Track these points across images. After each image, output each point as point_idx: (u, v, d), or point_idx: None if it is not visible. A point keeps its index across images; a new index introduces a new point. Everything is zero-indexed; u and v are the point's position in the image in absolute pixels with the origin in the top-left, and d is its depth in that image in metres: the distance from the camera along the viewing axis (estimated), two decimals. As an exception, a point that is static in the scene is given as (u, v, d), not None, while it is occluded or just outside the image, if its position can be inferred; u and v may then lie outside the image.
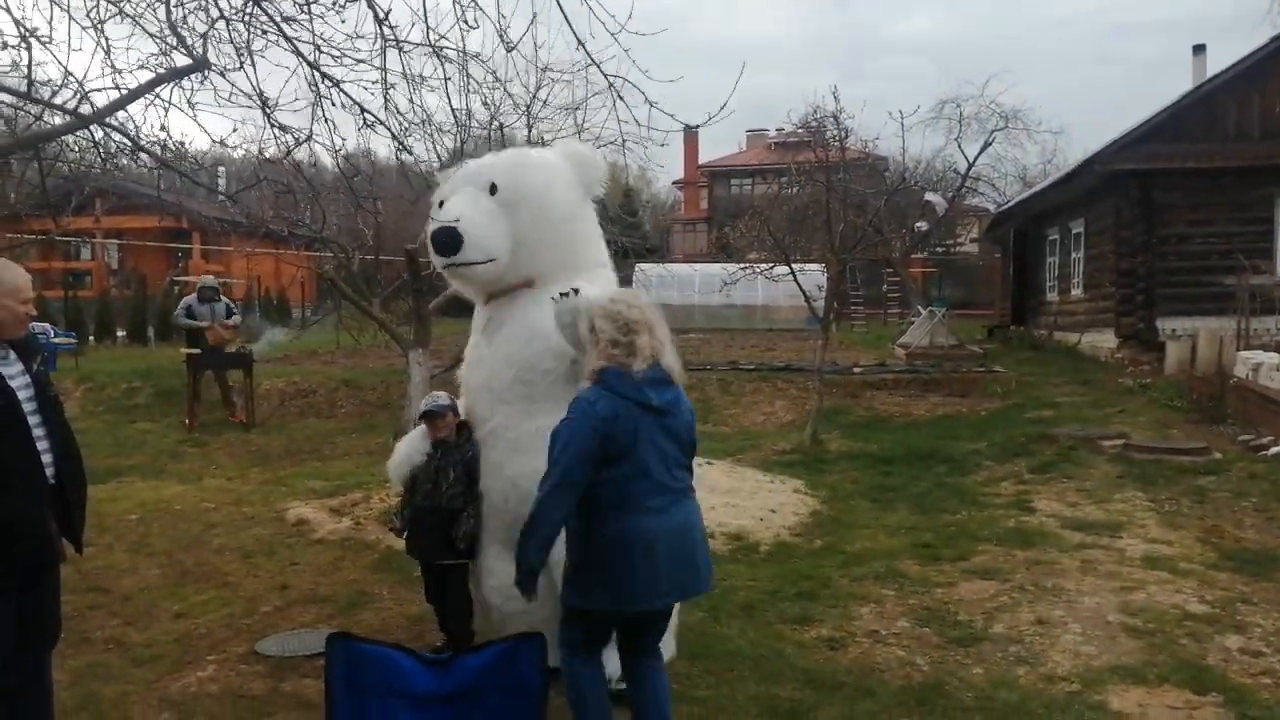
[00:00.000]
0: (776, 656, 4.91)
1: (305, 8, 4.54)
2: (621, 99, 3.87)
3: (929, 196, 24.88)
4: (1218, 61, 18.33)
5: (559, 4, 3.76)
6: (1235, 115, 16.53)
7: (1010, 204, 25.82)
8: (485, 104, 6.11)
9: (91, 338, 20.74)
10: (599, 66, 3.66)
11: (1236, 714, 4.37)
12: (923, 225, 24.76)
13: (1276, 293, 15.81)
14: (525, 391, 4.40)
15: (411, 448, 4.84)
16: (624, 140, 4.88)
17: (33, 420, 3.49)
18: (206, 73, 5.30)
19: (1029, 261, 24.54)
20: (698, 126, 4.33)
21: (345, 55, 4.65)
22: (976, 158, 16.84)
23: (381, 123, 4.82)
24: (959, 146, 26.08)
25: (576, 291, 4.02)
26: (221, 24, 5.03)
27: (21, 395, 3.48)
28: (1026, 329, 23.33)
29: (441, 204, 4.62)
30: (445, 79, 5.02)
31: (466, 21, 4.07)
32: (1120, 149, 16.79)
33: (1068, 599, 5.88)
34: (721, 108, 3.99)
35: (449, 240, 4.40)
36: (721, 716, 4.29)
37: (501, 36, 3.83)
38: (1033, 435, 10.96)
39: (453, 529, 4.64)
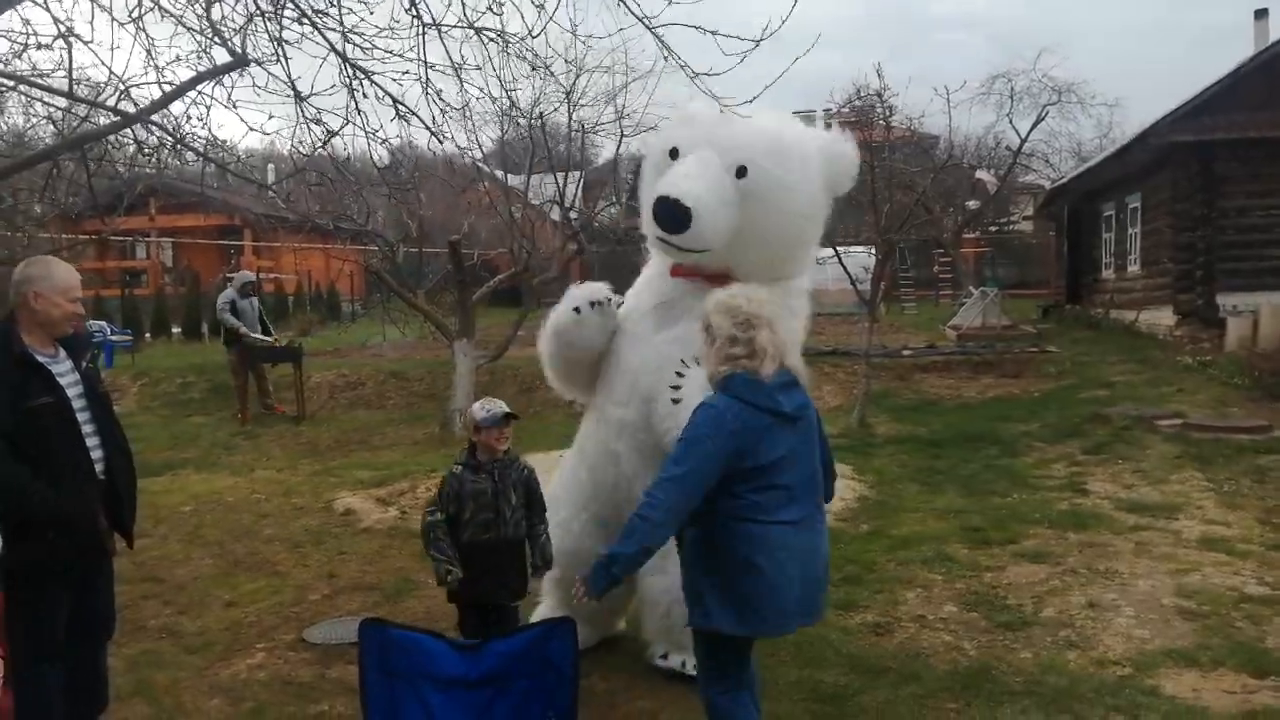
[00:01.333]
0: (820, 641, 4.85)
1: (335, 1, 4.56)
2: (673, 57, 3.82)
3: (980, 174, 24.45)
4: (1280, 27, 17.74)
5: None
6: (1299, 82, 15.97)
7: (1064, 180, 25.27)
8: (517, 91, 6.05)
9: (148, 334, 21.20)
10: (649, 27, 3.61)
11: (1296, 698, 4.24)
12: (973, 203, 24.35)
13: (1343, 265, 15.31)
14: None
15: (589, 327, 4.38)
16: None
17: (82, 417, 3.56)
18: (245, 70, 5.36)
19: (1084, 238, 24.00)
20: (752, 100, 4.19)
21: (375, 46, 4.66)
22: (1029, 133, 16.47)
23: (414, 114, 4.82)
24: (1010, 122, 25.62)
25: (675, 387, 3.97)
26: (259, 18, 5.07)
27: (71, 393, 3.54)
28: (1082, 308, 22.83)
29: (674, 153, 4.15)
30: (481, 65, 5.00)
31: (500, 1, 4.06)
32: (1177, 120, 16.31)
33: (1121, 582, 5.75)
34: (779, 76, 3.90)
35: (677, 219, 3.97)
36: (764, 703, 4.25)
37: (540, 10, 3.80)
38: (1087, 416, 10.73)
39: (525, 559, 4.14)
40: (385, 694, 3.05)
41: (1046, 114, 28.69)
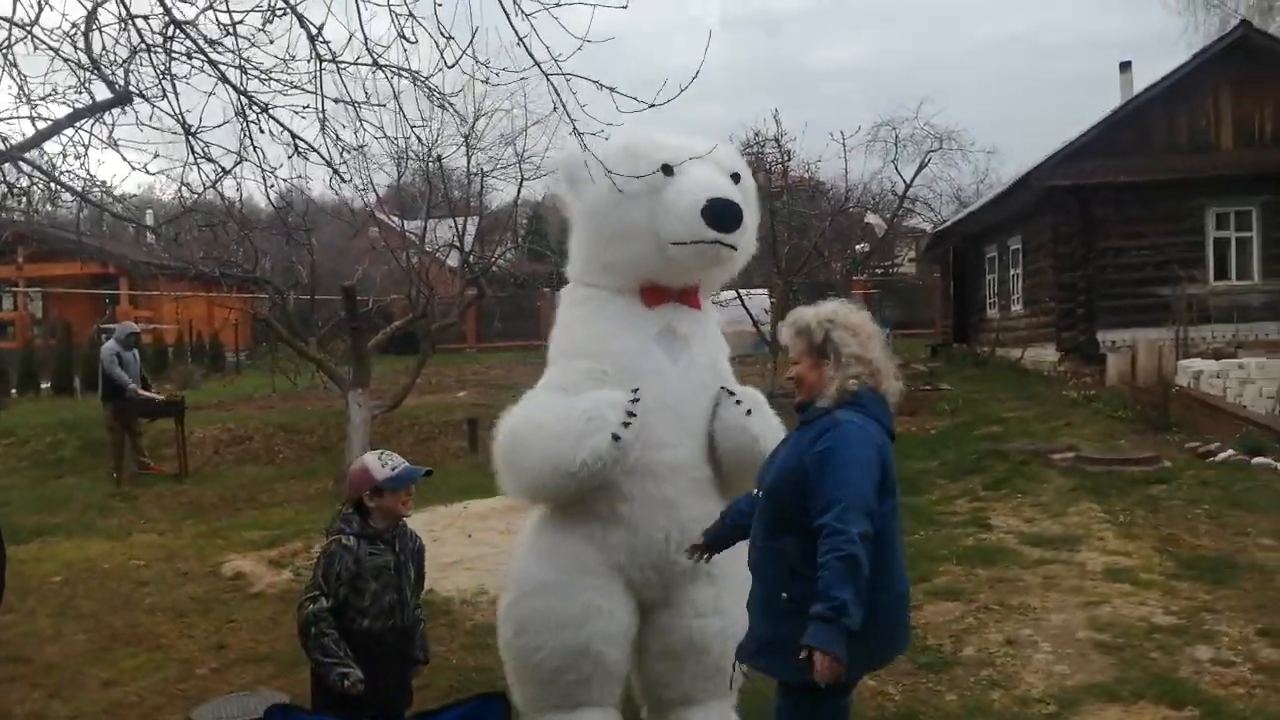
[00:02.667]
0: (752, 692, 4.70)
1: (231, 29, 4.29)
2: (562, 108, 3.66)
3: (869, 218, 25.14)
4: (1143, 78, 18.79)
5: (508, 21, 3.58)
6: (1165, 129, 16.91)
7: (948, 223, 26.17)
8: (420, 130, 5.85)
9: (14, 390, 19.99)
10: (545, 74, 3.47)
11: (1214, 728, 4.28)
12: (864, 246, 24.99)
13: (1211, 302, 16.15)
14: None
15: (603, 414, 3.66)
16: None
17: None
18: (128, 106, 5.03)
19: (969, 279, 24.84)
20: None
21: (273, 79, 4.41)
22: (914, 178, 17.06)
23: (314, 149, 4.57)
24: (895, 168, 26.39)
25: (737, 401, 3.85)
26: (144, 51, 4.77)
27: None
28: (969, 346, 23.57)
29: (669, 169, 3.97)
30: (386, 101, 4.77)
31: (405, 37, 3.86)
32: (1055, 165, 17.07)
33: (1035, 617, 5.77)
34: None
35: (735, 216, 3.89)
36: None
37: (439, 47, 3.63)
38: (984, 452, 10.94)
39: (413, 652, 3.60)
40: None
41: (929, 160, 29.82)
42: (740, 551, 3.34)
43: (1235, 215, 16.76)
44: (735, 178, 4.13)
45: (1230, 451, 9.83)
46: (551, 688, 3.87)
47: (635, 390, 3.71)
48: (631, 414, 3.64)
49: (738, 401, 3.91)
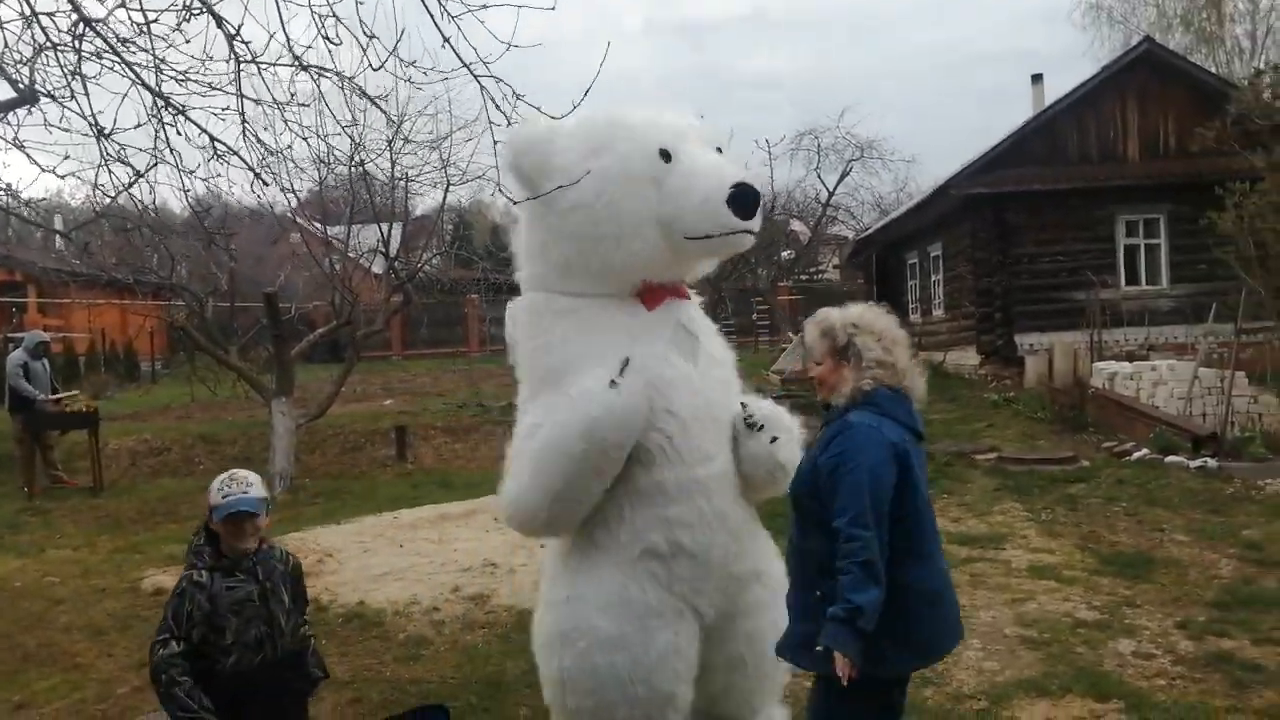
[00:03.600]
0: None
1: (145, 28, 4.15)
2: (489, 109, 3.57)
3: (794, 225, 25.45)
4: (1054, 90, 19.41)
5: (434, 22, 3.52)
6: (1076, 139, 17.49)
7: (870, 230, 26.66)
8: (349, 131, 5.74)
9: (-86, 403, 19.05)
10: (474, 75, 3.41)
11: (1138, 718, 4.41)
12: (789, 253, 25.30)
13: (1123, 306, 16.72)
14: None
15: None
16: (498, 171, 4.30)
17: None
18: (34, 106, 4.83)
19: (891, 285, 25.31)
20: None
21: (190, 79, 4.27)
22: (836, 186, 17.36)
23: (234, 152, 4.43)
24: (819, 176, 26.88)
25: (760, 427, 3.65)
26: (50, 50, 4.58)
27: None
28: (892, 350, 23.97)
29: (667, 154, 3.62)
30: (309, 102, 4.66)
31: (328, 38, 3.76)
32: (972, 174, 17.52)
33: (964, 614, 5.83)
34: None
35: (757, 202, 3.59)
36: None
37: (364, 51, 3.54)
38: (910, 453, 11.12)
39: (299, 678, 3.41)
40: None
41: (851, 169, 30.32)
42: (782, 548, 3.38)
43: (1144, 223, 17.40)
44: (720, 152, 3.87)
45: (1145, 451, 10.17)
46: None
47: (626, 359, 3.46)
48: (624, 365, 3.43)
49: (760, 427, 3.66)
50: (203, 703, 3.06)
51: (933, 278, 21.27)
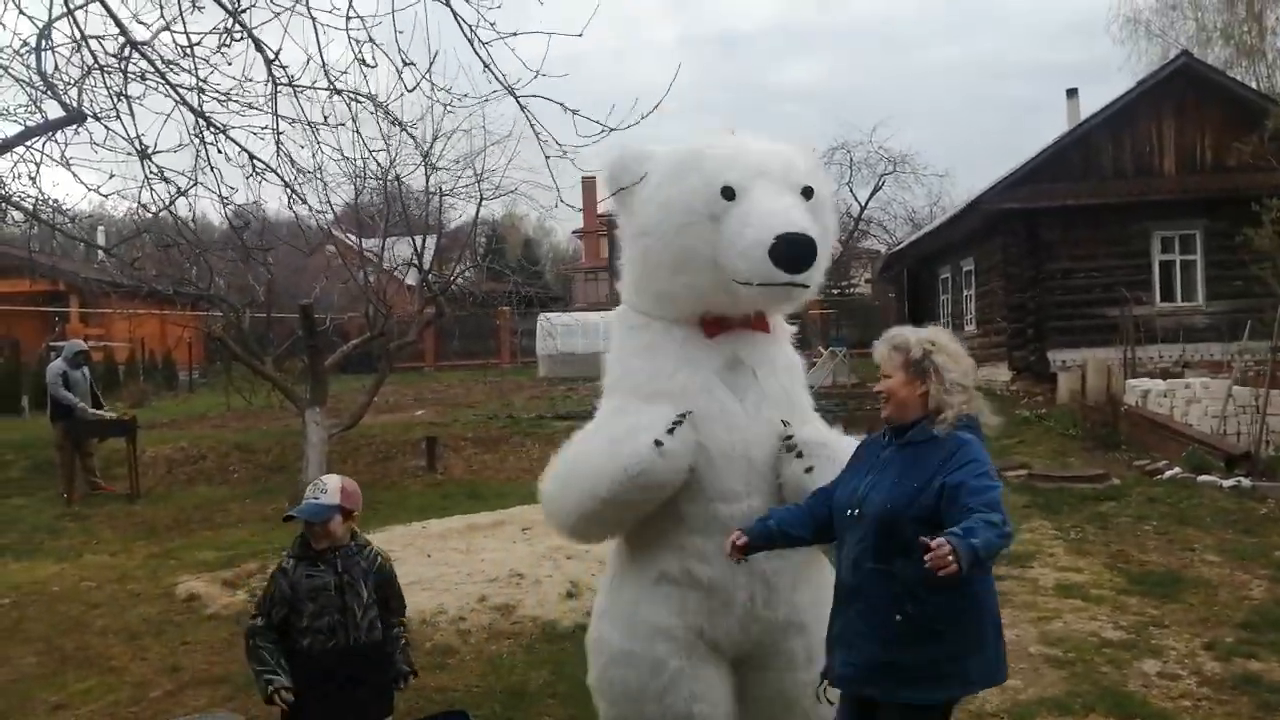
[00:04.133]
0: None
1: (188, 50, 4.29)
2: (540, 129, 3.67)
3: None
4: (1089, 104, 19.29)
5: (471, 47, 3.62)
6: (1111, 154, 17.37)
7: (902, 245, 26.59)
8: (379, 154, 5.86)
9: (-40, 410, 19.49)
10: (514, 95, 3.50)
11: (1162, 740, 4.38)
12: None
13: (1158, 322, 16.55)
14: None
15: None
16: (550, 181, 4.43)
17: None
18: (81, 125, 4.99)
19: (923, 300, 25.21)
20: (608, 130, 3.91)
21: (231, 99, 4.40)
22: (868, 200, 17.34)
23: (272, 170, 4.56)
24: (850, 190, 26.85)
25: (798, 454, 3.49)
26: (98, 71, 4.74)
27: None
28: (923, 365, 23.85)
29: (730, 191, 3.53)
30: (345, 121, 4.78)
31: (364, 61, 3.88)
32: (1004, 189, 17.44)
33: (989, 632, 5.86)
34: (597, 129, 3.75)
35: (810, 254, 3.41)
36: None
37: (399, 72, 3.65)
38: (939, 469, 11.07)
39: (383, 670, 3.59)
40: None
41: (883, 183, 30.26)
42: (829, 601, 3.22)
43: (1179, 239, 17.22)
44: (807, 193, 3.66)
45: (1177, 469, 10.07)
46: None
47: (688, 412, 3.45)
48: (678, 423, 3.39)
49: (798, 454, 3.54)
50: (279, 662, 3.37)
51: (965, 293, 21.16)
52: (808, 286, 3.56)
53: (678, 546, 3.57)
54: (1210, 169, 17.03)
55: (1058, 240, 17.26)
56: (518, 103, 3.53)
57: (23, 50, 4.72)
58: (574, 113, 3.75)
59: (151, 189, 4.98)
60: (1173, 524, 8.44)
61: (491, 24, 3.65)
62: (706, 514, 3.52)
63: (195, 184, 4.75)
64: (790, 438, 3.55)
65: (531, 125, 3.47)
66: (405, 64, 3.89)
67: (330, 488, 3.55)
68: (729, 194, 3.53)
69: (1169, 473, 10.04)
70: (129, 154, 4.88)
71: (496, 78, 3.64)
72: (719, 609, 3.57)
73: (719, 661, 3.66)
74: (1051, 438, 12.80)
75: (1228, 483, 9.44)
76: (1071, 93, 21.44)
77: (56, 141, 4.95)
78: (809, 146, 3.97)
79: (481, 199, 11.66)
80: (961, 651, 2.91)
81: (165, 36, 4.40)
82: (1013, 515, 8.97)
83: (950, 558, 2.53)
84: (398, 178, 10.53)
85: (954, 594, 2.85)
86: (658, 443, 3.34)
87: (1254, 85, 23.02)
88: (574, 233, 55.85)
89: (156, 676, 5.65)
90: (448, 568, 7.32)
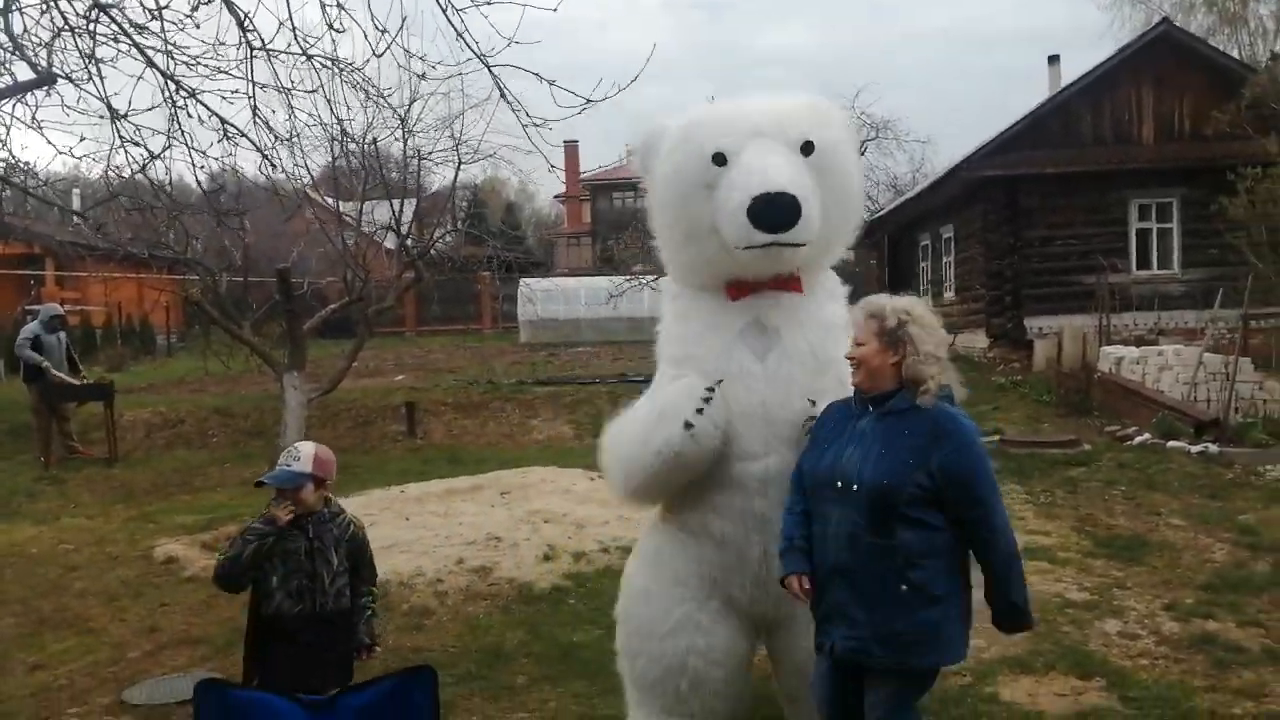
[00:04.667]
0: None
1: (157, 14, 4.26)
2: (510, 99, 3.69)
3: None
4: (1071, 71, 19.29)
5: (444, 11, 3.61)
6: (1090, 122, 17.38)
7: (883, 211, 26.58)
8: (355, 118, 5.84)
9: (-65, 373, 19.34)
10: (487, 65, 3.51)
11: (1119, 695, 4.51)
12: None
13: (1134, 290, 16.69)
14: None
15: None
16: (525, 145, 4.49)
17: None
18: (52, 87, 4.96)
19: (903, 266, 25.27)
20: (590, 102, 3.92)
21: (201, 63, 4.38)
22: (850, 166, 17.41)
23: (244, 134, 4.56)
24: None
25: (812, 418, 3.42)
26: (67, 33, 4.70)
27: None
28: (903, 332, 23.95)
29: (721, 157, 3.54)
30: (315, 88, 4.77)
31: (333, 27, 3.87)
32: (985, 156, 17.45)
33: (956, 594, 5.98)
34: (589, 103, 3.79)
35: (790, 212, 3.36)
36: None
37: (368, 38, 3.65)
38: (914, 435, 11.19)
39: (346, 638, 3.58)
40: (226, 762, 2.79)
41: (865, 149, 30.19)
42: None
43: (1157, 207, 17.30)
44: (807, 148, 3.58)
45: (1146, 435, 10.22)
46: (651, 696, 3.79)
47: (718, 381, 3.49)
48: (707, 400, 3.43)
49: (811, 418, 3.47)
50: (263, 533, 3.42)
51: (944, 259, 21.24)
52: (798, 244, 3.49)
53: (698, 500, 3.66)
54: (1189, 137, 17.08)
55: (1036, 207, 17.31)
56: (490, 71, 3.55)
57: (-11, 11, 4.68)
58: (550, 83, 3.77)
59: (127, 151, 4.97)
60: (1141, 489, 8.59)
61: (465, -9, 3.65)
62: (725, 472, 3.57)
63: (169, 147, 4.74)
64: (812, 419, 3.44)
65: (503, 94, 3.48)
66: (381, 32, 3.88)
67: (304, 455, 3.53)
68: (720, 160, 3.54)
69: (1139, 438, 10.20)
70: (101, 117, 4.87)
71: (468, 45, 3.65)
72: (733, 563, 3.64)
73: (736, 622, 3.73)
74: (1026, 404, 12.95)
75: (1195, 448, 9.60)
76: (1053, 59, 21.42)
77: (26, 104, 4.93)
78: (821, 100, 3.87)
79: (460, 163, 11.62)
80: (957, 615, 3.03)
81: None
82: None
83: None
84: (374, 142, 10.47)
85: (951, 559, 3.00)
86: (688, 425, 3.40)
87: (1235, 54, 23.09)
88: (556, 198, 55.55)
89: (135, 637, 5.71)
90: (426, 531, 7.39)
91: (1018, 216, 17.32)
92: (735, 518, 3.55)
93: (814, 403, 3.46)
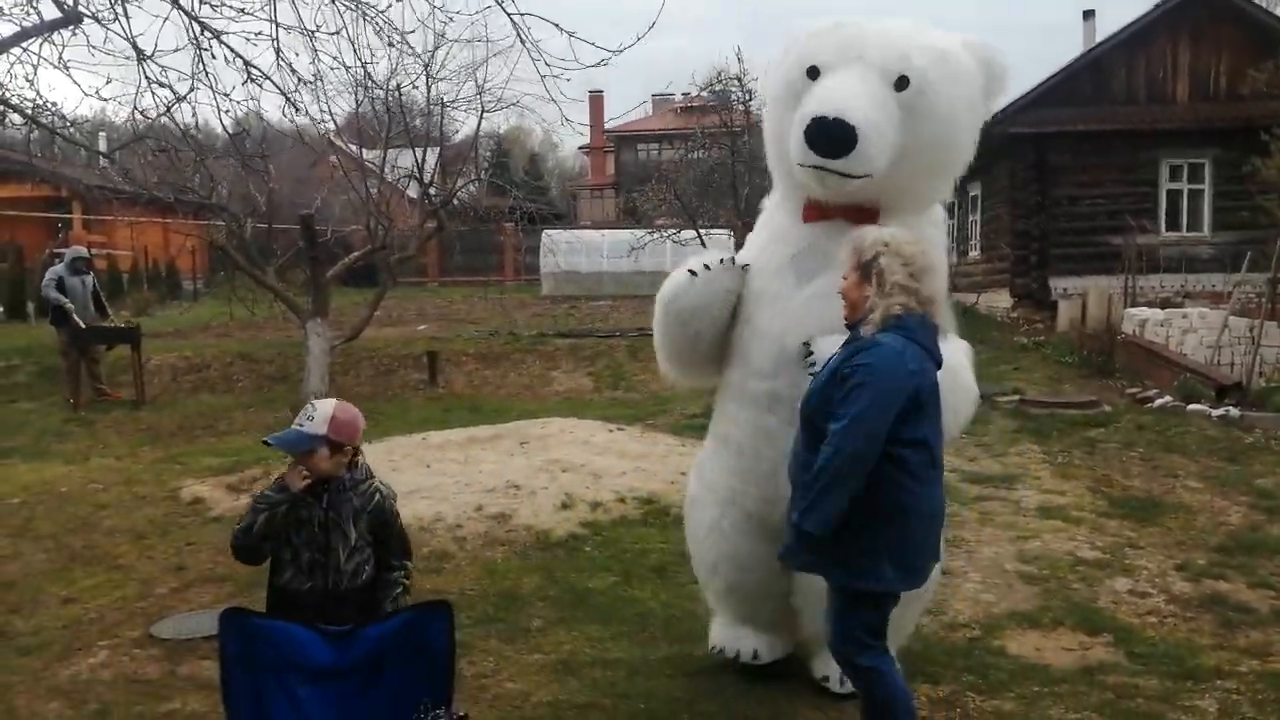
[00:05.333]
0: (689, 617, 4.91)
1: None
2: (531, 47, 3.69)
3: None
4: (1107, 26, 18.91)
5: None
6: (1124, 79, 17.10)
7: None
8: (378, 62, 5.85)
9: (-34, 315, 19.63)
10: (506, 11, 3.52)
11: (1125, 651, 4.56)
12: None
13: (1161, 252, 16.50)
14: None
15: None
16: (547, 95, 4.50)
17: None
18: (78, 27, 4.99)
19: (928, 224, 25.03)
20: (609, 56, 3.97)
21: (225, 4, 4.40)
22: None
23: (268, 77, 4.58)
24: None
25: (810, 354, 3.48)
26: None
27: None
28: (926, 290, 23.83)
29: (815, 71, 3.55)
30: (341, 29, 4.78)
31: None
32: (1015, 112, 17.17)
33: (968, 549, 6.04)
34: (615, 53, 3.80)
35: (842, 140, 3.34)
36: (636, 678, 4.29)
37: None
38: (933, 393, 11.20)
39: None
40: (249, 689, 2.88)
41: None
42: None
43: (1188, 168, 17.05)
44: (901, 82, 3.51)
45: (1167, 398, 10.18)
46: (707, 591, 4.30)
47: (744, 266, 3.80)
48: (714, 261, 3.73)
49: (811, 365, 3.47)
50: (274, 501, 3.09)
51: (970, 218, 21.04)
52: (850, 175, 3.43)
53: (724, 411, 4.01)
54: (1224, 97, 16.77)
55: (1065, 166, 17.10)
56: (508, 16, 3.55)
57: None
58: (570, 34, 3.77)
59: (154, 93, 5.01)
60: (1159, 450, 8.57)
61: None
62: (741, 385, 3.86)
63: (194, 89, 4.78)
64: (810, 354, 3.49)
65: (522, 40, 3.49)
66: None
67: (319, 415, 3.09)
68: (813, 73, 3.57)
69: (1159, 401, 10.15)
70: (127, 58, 4.90)
71: (492, -6, 3.65)
72: (748, 473, 3.85)
73: (760, 534, 3.86)
74: (1048, 365, 12.90)
75: (1216, 412, 9.55)
76: (1088, 14, 20.98)
77: (53, 43, 4.96)
78: (950, 40, 3.73)
79: (483, 111, 11.58)
80: (875, 547, 3.08)
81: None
82: (1002, 439, 9.10)
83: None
84: (398, 88, 10.45)
85: (872, 497, 3.02)
86: (692, 272, 3.73)
87: (1277, 10, 22.52)
88: (580, 149, 55.23)
89: (162, 575, 5.85)
90: (446, 478, 7.49)
91: (1046, 175, 17.12)
92: (750, 430, 3.81)
93: (808, 346, 3.51)
